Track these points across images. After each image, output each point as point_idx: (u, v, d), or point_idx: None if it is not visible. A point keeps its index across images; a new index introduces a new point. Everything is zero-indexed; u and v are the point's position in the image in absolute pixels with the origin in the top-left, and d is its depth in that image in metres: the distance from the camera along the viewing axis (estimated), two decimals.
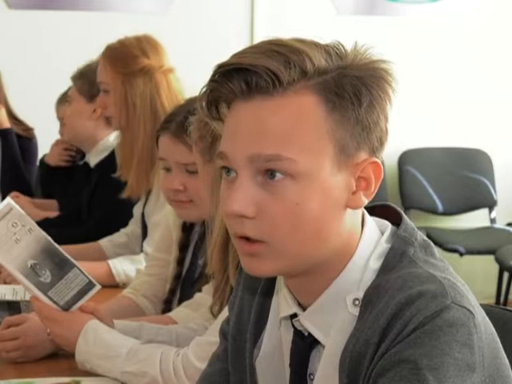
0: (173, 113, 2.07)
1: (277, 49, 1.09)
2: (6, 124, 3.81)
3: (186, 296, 2.17)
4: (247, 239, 1.12)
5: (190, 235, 2.20)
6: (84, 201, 3.22)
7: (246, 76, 1.09)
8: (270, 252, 1.11)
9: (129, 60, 2.72)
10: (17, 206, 1.87)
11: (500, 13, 5.07)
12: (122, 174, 2.85)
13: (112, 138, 3.17)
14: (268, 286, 1.28)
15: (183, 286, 2.20)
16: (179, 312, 2.08)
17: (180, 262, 2.20)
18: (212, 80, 1.12)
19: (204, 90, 1.14)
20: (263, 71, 1.08)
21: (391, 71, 1.14)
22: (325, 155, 1.10)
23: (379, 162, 1.14)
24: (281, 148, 1.08)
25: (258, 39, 4.59)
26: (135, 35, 2.80)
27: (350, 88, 1.10)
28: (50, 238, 1.89)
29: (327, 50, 1.12)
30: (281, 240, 1.10)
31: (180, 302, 2.20)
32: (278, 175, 1.09)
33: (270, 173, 1.09)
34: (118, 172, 2.87)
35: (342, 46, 1.13)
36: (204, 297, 1.98)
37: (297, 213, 1.09)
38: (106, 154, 3.19)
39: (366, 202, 1.15)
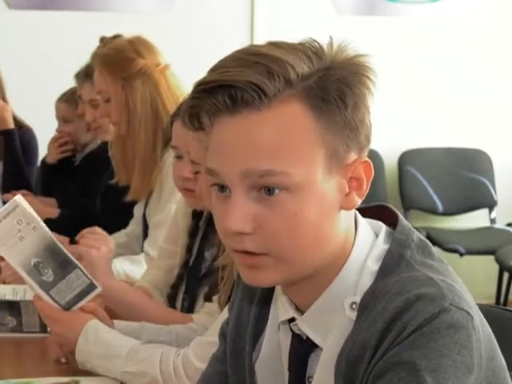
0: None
1: (257, 60, 1.07)
2: (11, 124, 3.81)
3: (191, 288, 2.17)
4: (247, 252, 1.11)
5: (199, 222, 2.20)
6: (100, 191, 3.20)
7: (230, 91, 1.07)
8: (273, 263, 1.11)
9: (126, 63, 2.71)
10: (23, 204, 1.87)
11: (500, 13, 5.07)
12: (120, 179, 2.85)
13: None
14: (267, 291, 1.28)
15: (190, 276, 2.21)
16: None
17: (189, 249, 2.21)
18: (194, 97, 1.10)
19: (186, 106, 1.13)
20: (248, 86, 1.06)
21: (369, 64, 1.12)
22: (317, 163, 1.09)
23: (369, 161, 1.14)
24: (274, 162, 1.07)
25: (258, 39, 4.60)
26: (126, 38, 2.80)
27: (334, 91, 1.09)
28: (54, 238, 1.90)
29: (306, 52, 1.10)
30: (283, 250, 1.10)
31: (186, 293, 2.20)
32: (275, 190, 1.08)
33: (267, 189, 1.08)
34: (116, 177, 2.88)
35: (318, 43, 1.12)
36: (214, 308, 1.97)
37: (296, 223, 1.09)
38: None
39: (359, 201, 1.14)
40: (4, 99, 3.86)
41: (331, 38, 1.12)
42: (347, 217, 1.15)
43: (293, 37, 1.15)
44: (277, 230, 1.09)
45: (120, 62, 2.72)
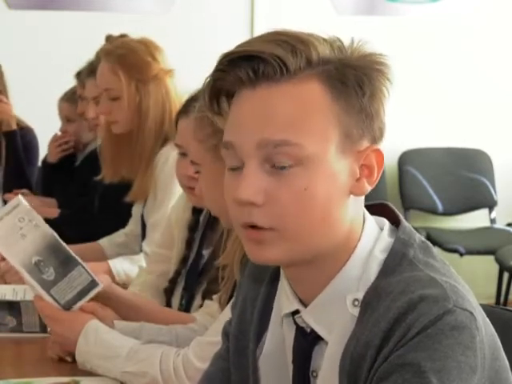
0: (192, 97, 2.01)
1: (283, 38, 1.11)
2: (14, 125, 3.81)
3: (191, 285, 2.18)
4: (254, 227, 1.12)
5: (199, 217, 2.20)
6: (98, 192, 3.20)
7: (252, 63, 1.10)
8: (279, 238, 1.12)
9: (143, 66, 2.73)
10: (25, 202, 1.88)
11: (500, 13, 5.07)
12: (106, 176, 2.87)
13: None
14: (270, 287, 1.28)
15: (188, 274, 2.21)
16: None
17: (188, 244, 2.21)
18: (218, 69, 1.14)
19: (209, 79, 1.16)
20: (271, 58, 1.10)
21: (388, 65, 1.16)
22: (330, 141, 1.11)
23: (381, 150, 1.16)
24: (289, 133, 1.10)
25: None
26: (137, 39, 2.81)
27: (353, 77, 1.12)
28: (56, 235, 1.91)
29: (329, 42, 1.14)
30: (290, 226, 1.11)
31: (185, 290, 2.21)
32: (287, 165, 1.10)
33: (281, 167, 1.10)
34: (102, 174, 2.89)
35: (341, 41, 1.15)
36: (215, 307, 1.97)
37: (305, 198, 1.10)
38: None
39: (369, 189, 1.16)
40: (7, 99, 3.86)
41: (353, 38, 1.16)
42: (355, 205, 1.16)
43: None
44: (286, 204, 1.10)
45: (138, 64, 2.73)
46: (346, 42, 1.15)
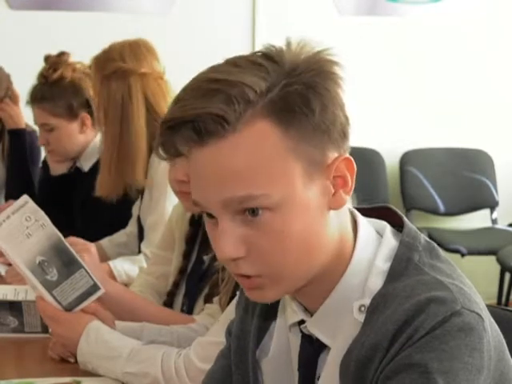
0: None
1: (216, 87, 1.06)
2: (22, 124, 3.79)
3: (192, 291, 2.17)
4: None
5: (198, 229, 2.20)
6: (76, 205, 3.20)
7: (193, 125, 1.06)
8: (270, 282, 1.12)
9: (106, 63, 2.77)
10: (32, 201, 1.89)
11: (500, 13, 5.07)
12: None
13: (97, 139, 3.12)
14: None
15: (189, 280, 2.20)
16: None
17: (186, 255, 2.20)
18: (162, 134, 1.10)
19: (157, 143, 1.12)
20: (208, 118, 1.05)
21: (331, 58, 1.10)
22: (294, 175, 1.08)
23: (350, 157, 1.12)
24: (250, 187, 1.06)
25: (259, 40, 4.59)
26: (126, 39, 2.82)
27: (298, 99, 1.07)
28: (61, 236, 1.91)
29: (264, 65, 1.08)
30: (277, 270, 1.10)
31: (186, 296, 2.20)
32: (259, 211, 1.07)
33: (251, 211, 1.08)
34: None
35: (275, 48, 1.10)
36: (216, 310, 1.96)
37: (284, 239, 1.09)
38: (97, 156, 3.11)
39: (347, 198, 1.13)
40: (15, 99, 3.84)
41: (288, 38, 1.10)
42: (338, 215, 1.14)
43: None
44: (268, 250, 1.09)
45: (102, 60, 2.78)
46: (284, 47, 1.09)
